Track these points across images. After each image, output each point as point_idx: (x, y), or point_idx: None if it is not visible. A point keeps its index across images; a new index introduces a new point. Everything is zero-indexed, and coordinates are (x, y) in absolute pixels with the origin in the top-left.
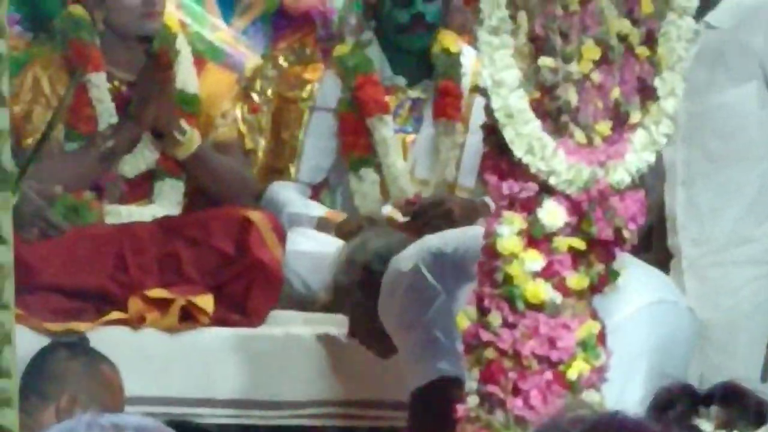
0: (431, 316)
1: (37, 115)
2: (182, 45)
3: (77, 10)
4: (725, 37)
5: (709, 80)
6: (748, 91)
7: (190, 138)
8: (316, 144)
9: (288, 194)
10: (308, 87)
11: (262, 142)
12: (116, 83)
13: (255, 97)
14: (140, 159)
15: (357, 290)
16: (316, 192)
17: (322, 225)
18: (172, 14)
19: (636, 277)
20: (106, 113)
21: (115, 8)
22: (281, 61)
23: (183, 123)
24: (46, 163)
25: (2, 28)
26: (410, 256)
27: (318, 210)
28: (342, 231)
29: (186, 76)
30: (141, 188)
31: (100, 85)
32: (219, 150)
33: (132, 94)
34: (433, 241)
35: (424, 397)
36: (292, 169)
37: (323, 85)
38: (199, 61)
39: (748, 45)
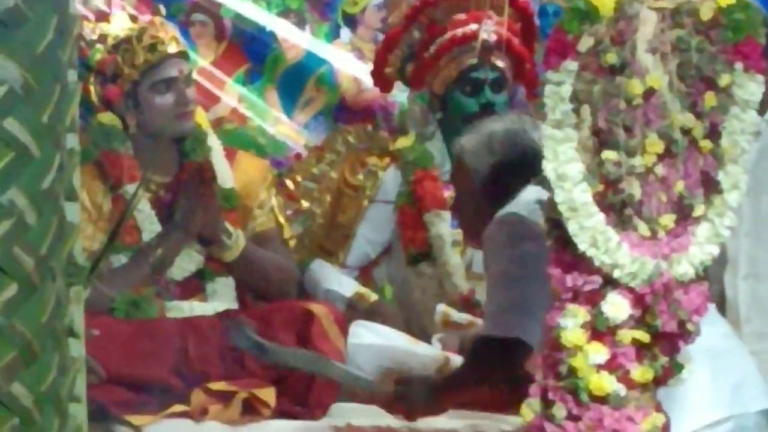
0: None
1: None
2: (213, 141)
3: (107, 117)
4: None
5: None
6: None
7: (236, 240)
8: (369, 235)
9: (325, 271)
10: (373, 180)
11: (318, 213)
12: (153, 187)
13: (290, 184)
14: (188, 261)
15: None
16: (365, 270)
17: (353, 303)
18: (200, 111)
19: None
20: (148, 221)
21: (149, 111)
22: (352, 138)
23: (228, 226)
24: (98, 280)
25: (74, 123)
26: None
27: (351, 289)
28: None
29: (220, 171)
30: (191, 288)
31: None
32: (259, 241)
33: (170, 196)
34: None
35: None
36: (341, 255)
37: (386, 179)
38: (230, 152)
39: None
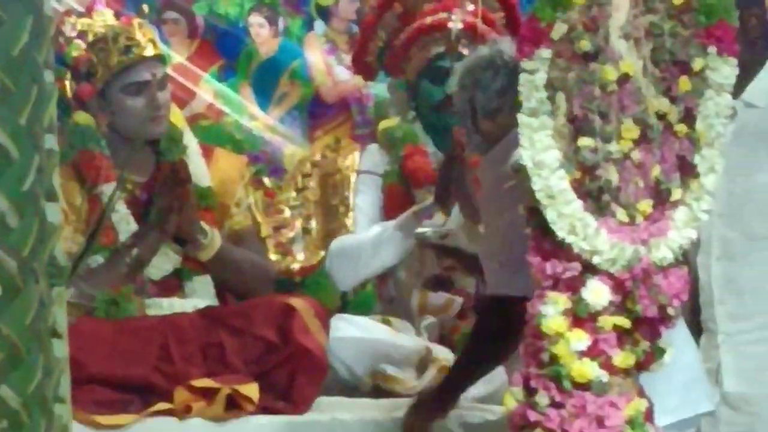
0: None
1: None
2: (189, 139)
3: (82, 117)
4: (766, 117)
5: (750, 160)
6: None
7: (212, 240)
8: (367, 200)
9: (354, 237)
10: (349, 156)
11: (313, 224)
12: (129, 187)
13: (267, 182)
14: (165, 261)
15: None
16: None
17: (419, 215)
18: (176, 110)
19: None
20: (123, 222)
21: (120, 113)
22: (318, 158)
23: (203, 225)
24: (74, 281)
25: (52, 123)
26: None
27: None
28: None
29: (196, 169)
30: (169, 287)
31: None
32: (236, 239)
33: (146, 196)
34: None
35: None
36: (348, 222)
37: (367, 154)
38: (206, 149)
39: None
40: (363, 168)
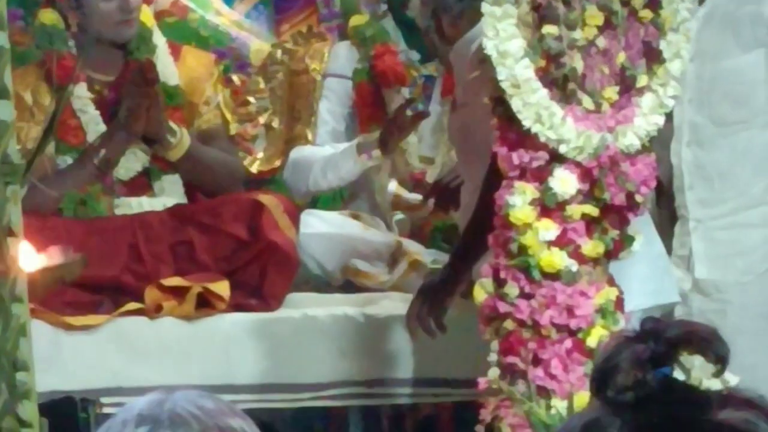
0: None
1: (25, 132)
2: (157, 38)
3: (49, 16)
4: (735, 3)
5: (718, 45)
6: (757, 58)
7: (181, 139)
8: (331, 108)
9: (311, 150)
10: (317, 58)
11: (276, 123)
12: (97, 87)
13: (235, 79)
14: (133, 161)
15: None
16: None
17: (361, 148)
18: (145, 9)
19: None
20: (92, 122)
21: (91, 14)
22: (290, 45)
23: (172, 124)
24: (43, 182)
25: (3, 21)
26: None
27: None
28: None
29: (165, 69)
30: (138, 186)
31: (81, 96)
32: (204, 138)
33: (114, 96)
34: None
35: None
36: (309, 134)
37: (336, 53)
38: (175, 47)
39: (759, 14)
40: (330, 71)
